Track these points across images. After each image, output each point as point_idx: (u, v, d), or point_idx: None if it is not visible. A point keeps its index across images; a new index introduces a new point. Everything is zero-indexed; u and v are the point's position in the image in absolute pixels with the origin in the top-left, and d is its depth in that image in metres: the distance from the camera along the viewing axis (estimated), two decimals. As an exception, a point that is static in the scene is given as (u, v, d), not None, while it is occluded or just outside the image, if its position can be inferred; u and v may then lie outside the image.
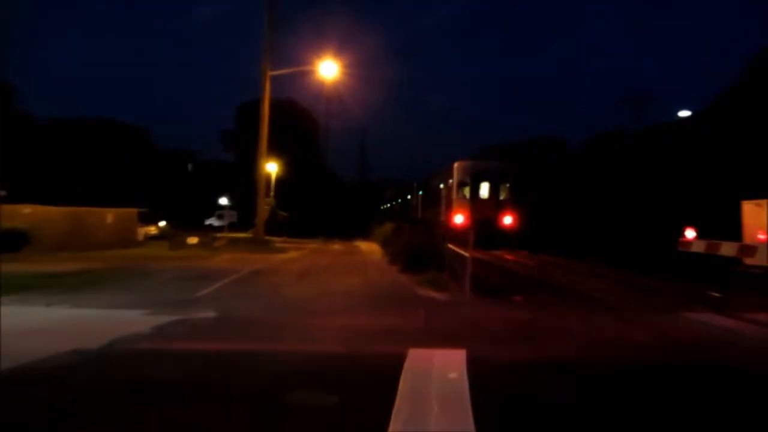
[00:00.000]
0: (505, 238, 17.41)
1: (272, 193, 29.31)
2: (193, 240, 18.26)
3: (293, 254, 17.23)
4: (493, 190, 18.81)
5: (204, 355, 4.52)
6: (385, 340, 5.22)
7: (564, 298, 8.76)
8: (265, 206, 21.88)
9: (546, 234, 21.85)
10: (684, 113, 25.78)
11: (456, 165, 18.94)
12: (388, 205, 50.99)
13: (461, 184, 18.76)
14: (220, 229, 27.03)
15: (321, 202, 38.57)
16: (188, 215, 32.54)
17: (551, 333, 5.76)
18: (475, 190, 18.77)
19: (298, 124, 39.15)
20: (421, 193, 26.93)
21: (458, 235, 11.79)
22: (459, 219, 18.17)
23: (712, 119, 21.86)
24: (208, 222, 35.83)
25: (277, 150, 27.62)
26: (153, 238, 21.16)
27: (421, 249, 12.13)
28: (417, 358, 4.32)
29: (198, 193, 40.94)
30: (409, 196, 33.33)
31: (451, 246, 11.00)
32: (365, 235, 27.91)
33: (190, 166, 46.31)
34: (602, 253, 17.05)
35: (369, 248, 20.84)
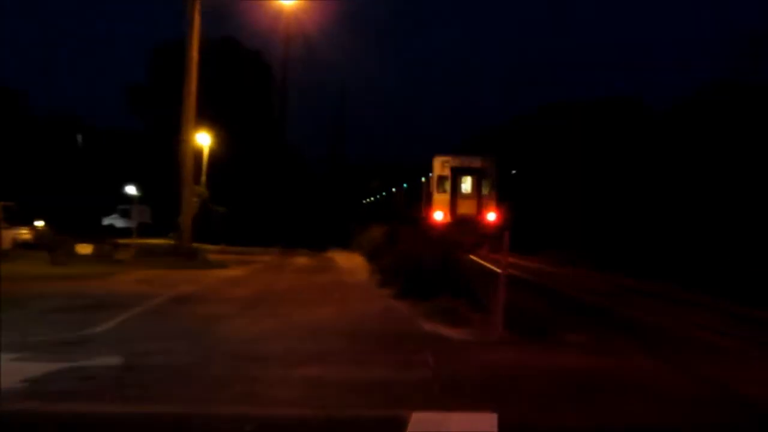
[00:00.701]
0: (487, 236, 21.11)
1: (204, 179, 29.30)
2: (85, 249, 18.18)
3: (237, 271, 17.45)
4: (476, 186, 24.07)
5: (105, 423, 4.48)
6: (376, 400, 5.30)
7: (641, 337, 8.93)
8: (193, 199, 21.97)
9: (563, 233, 26.00)
10: None
11: (435, 158, 24.28)
12: (373, 198, 51.38)
13: (441, 179, 23.93)
14: (126, 232, 26.59)
15: (278, 195, 38.61)
16: (78, 212, 32.15)
17: (624, 388, 5.90)
18: (456, 185, 23.99)
19: (243, 77, 38.51)
20: (405, 186, 32.67)
21: (442, 233, 14.72)
22: (438, 216, 23.03)
23: None
24: (107, 222, 35.60)
25: (211, 115, 27.52)
26: (25, 246, 20.95)
27: (428, 263, 12.38)
28: (424, 424, 4.38)
29: (92, 179, 40.44)
30: (393, 189, 35.99)
31: (474, 259, 11.16)
32: (344, 243, 28.43)
33: (79, 138, 45.27)
34: (680, 267, 17.85)
35: (349, 262, 21.19)
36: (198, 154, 25.93)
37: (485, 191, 24.12)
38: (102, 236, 22.96)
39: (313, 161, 55.79)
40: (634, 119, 35.79)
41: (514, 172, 41.22)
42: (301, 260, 22.78)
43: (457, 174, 24.14)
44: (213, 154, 30.96)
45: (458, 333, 8.61)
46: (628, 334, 9.13)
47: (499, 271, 8.86)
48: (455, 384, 5.91)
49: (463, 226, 21.36)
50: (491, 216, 23.32)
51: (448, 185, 24.02)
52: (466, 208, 23.57)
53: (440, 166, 24.12)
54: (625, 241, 26.63)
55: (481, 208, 23.67)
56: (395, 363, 6.70)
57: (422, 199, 25.97)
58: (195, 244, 20.66)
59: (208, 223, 26.75)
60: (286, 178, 40.89)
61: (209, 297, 11.90)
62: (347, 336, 8.30)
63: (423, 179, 26.35)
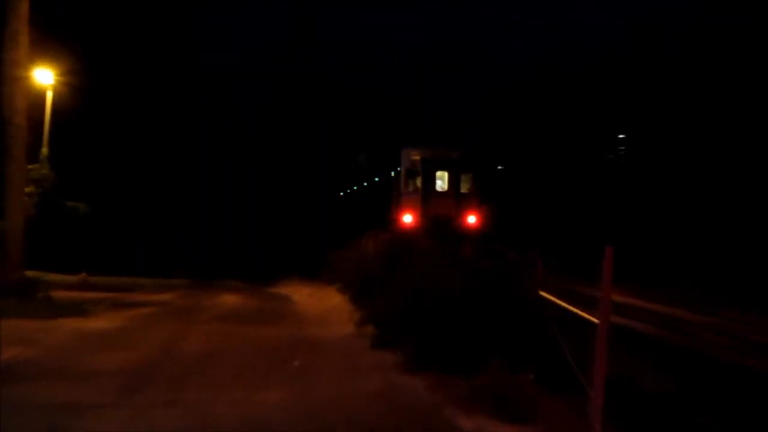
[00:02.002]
0: (467, 241, 27.95)
1: (46, 152, 29.24)
2: None
3: (110, 322, 17.49)
4: (453, 182, 32.37)
5: None
6: None
7: None
8: (26, 188, 21.85)
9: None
10: None
11: (403, 151, 32.95)
12: (364, 185, 50.73)
13: (410, 174, 32.61)
14: None
15: (188, 182, 38.01)
16: None
17: None
18: (429, 181, 32.25)
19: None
20: (377, 179, 43.25)
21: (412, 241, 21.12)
22: (407, 219, 30.94)
23: None
24: None
25: (58, 34, 27.68)
26: None
27: (465, 304, 12.70)
28: None
29: None
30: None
31: (547, 296, 11.69)
32: (309, 269, 29.41)
33: None
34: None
35: (319, 302, 21.42)
36: (36, 104, 25.62)
37: (465, 189, 32.29)
38: None
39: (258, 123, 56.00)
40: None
41: None
42: (231, 300, 22.93)
43: (429, 168, 32.17)
44: (62, 105, 30.74)
45: (523, 436, 8.56)
46: None
47: (594, 319, 9.00)
48: None
49: (438, 230, 27.99)
50: (472, 218, 31.09)
51: (418, 182, 32.17)
52: (441, 209, 31.24)
53: (409, 159, 32.38)
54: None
55: (459, 208, 31.52)
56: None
57: (392, 199, 34.31)
58: (31, 272, 20.46)
59: (58, 233, 26.56)
60: (204, 150, 39.95)
61: (59, 369, 11.80)
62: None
63: (393, 173, 34.79)
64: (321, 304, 20.99)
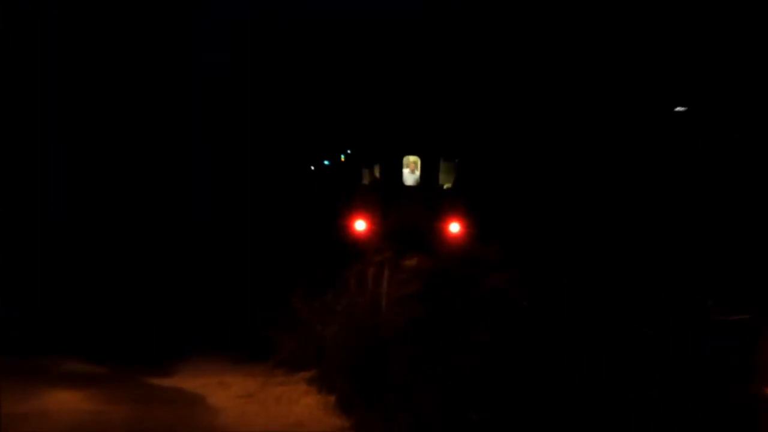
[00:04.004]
0: (452, 260, 22.63)
1: None
2: None
3: None
4: (428, 174, 27.23)
5: None
6: None
7: None
8: None
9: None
10: None
11: (361, 134, 30.88)
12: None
13: (367, 161, 27.97)
14: None
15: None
16: None
17: None
18: (394, 172, 27.23)
19: None
20: (328, 162, 42.25)
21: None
22: (360, 226, 25.98)
23: None
24: None
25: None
26: None
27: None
28: None
29: None
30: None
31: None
32: (253, 337, 22.04)
33: None
34: None
35: (265, 413, 15.49)
36: None
37: (446, 183, 27.14)
38: None
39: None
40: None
41: None
42: (67, 403, 15.70)
43: (394, 155, 27.11)
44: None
45: None
46: None
47: None
48: None
49: (405, 242, 23.21)
50: (454, 227, 25.71)
51: (377, 172, 27.23)
52: (409, 213, 26.00)
53: (366, 143, 28.81)
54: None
55: (438, 212, 26.14)
56: None
57: (341, 196, 29.52)
58: None
59: None
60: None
61: None
62: None
63: (343, 158, 32.68)
64: (273, 416, 14.63)
